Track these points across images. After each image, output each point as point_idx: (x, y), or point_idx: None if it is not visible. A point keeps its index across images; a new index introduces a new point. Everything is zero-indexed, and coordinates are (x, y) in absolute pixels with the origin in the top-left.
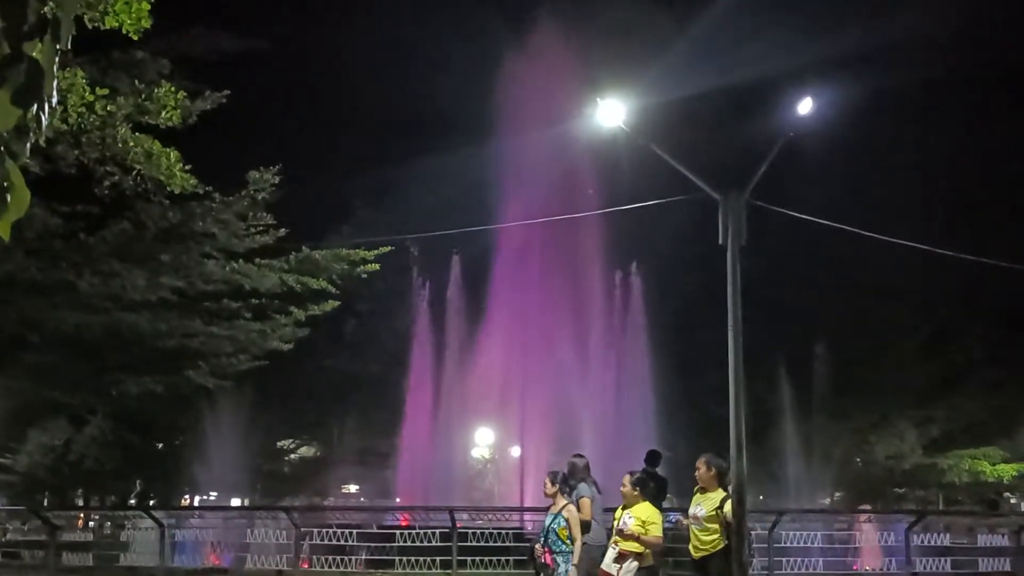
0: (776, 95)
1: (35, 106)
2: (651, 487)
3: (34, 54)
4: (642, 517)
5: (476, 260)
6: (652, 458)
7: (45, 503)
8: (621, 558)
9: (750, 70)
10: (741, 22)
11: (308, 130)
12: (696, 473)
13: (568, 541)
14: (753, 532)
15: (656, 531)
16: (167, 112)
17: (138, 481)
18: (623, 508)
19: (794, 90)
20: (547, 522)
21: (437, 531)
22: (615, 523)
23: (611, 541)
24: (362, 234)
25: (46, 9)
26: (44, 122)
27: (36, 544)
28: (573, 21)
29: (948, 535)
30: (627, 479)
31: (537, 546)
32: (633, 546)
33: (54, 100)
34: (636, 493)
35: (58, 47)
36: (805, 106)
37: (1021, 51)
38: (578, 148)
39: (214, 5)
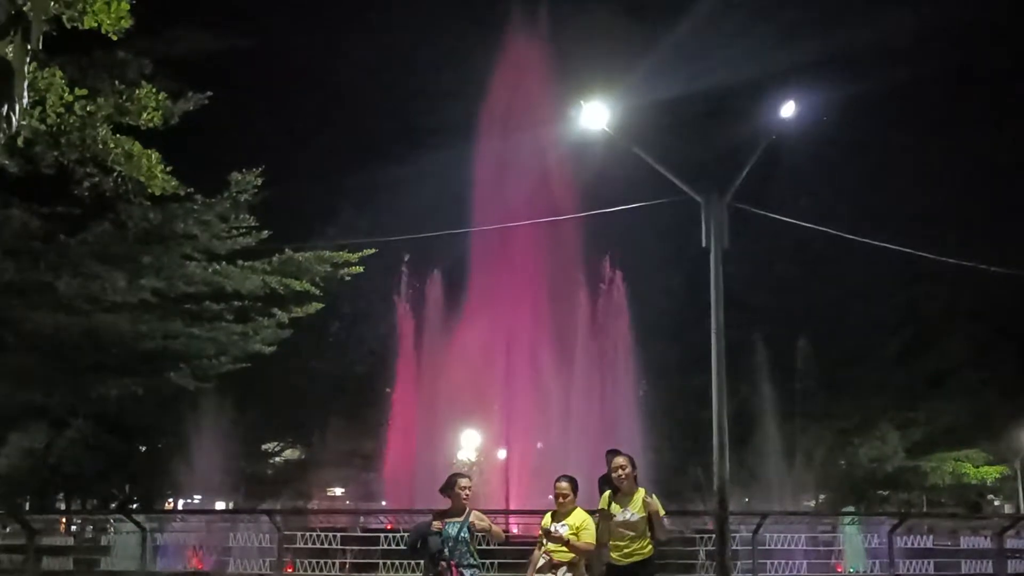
0: (760, 98)
1: (4, 106)
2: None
3: (6, 53)
4: (575, 523)
5: (460, 263)
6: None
7: (26, 507)
8: (553, 567)
9: (734, 73)
10: (725, 25)
11: (292, 132)
12: (621, 473)
13: (478, 554)
14: (737, 535)
15: (588, 537)
16: (148, 113)
17: (122, 485)
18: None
19: (778, 93)
20: (451, 532)
21: None
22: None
23: (540, 548)
24: (348, 236)
25: (17, 5)
26: (15, 122)
27: (15, 548)
28: (557, 26)
29: (931, 537)
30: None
31: (443, 562)
32: (564, 554)
33: (24, 100)
34: (571, 499)
35: (28, 47)
36: (788, 109)
37: (1008, 54)
38: (562, 151)
39: (198, 5)
